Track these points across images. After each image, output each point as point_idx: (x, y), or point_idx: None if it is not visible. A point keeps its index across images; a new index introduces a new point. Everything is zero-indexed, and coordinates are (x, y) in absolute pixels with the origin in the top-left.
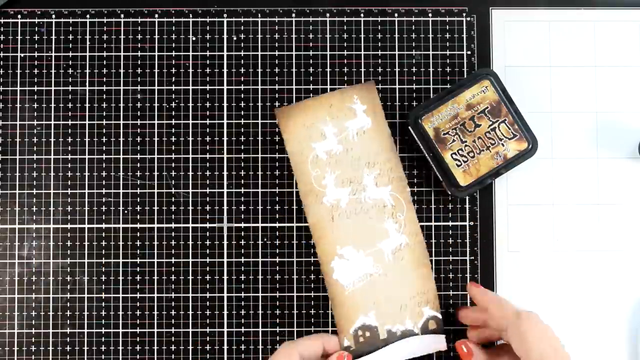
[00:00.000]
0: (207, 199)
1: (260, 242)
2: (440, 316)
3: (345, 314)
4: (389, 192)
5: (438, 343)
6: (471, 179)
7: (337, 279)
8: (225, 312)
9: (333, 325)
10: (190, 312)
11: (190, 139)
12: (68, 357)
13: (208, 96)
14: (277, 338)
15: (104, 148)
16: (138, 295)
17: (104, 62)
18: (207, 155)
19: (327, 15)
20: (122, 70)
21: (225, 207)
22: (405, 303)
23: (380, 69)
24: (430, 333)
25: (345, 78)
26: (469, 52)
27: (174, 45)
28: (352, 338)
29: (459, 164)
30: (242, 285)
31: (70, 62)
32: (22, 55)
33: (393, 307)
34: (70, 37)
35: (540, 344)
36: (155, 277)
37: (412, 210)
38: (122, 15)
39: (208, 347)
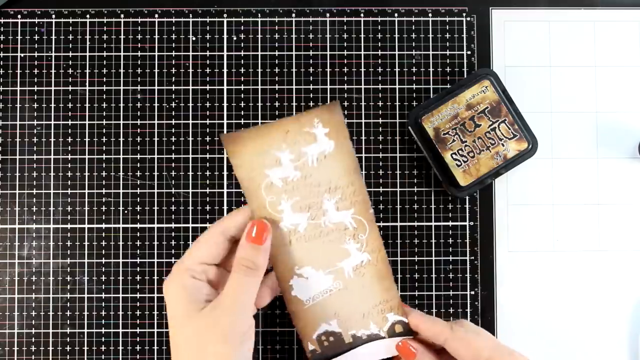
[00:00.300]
0: (207, 199)
1: None
2: (406, 320)
3: (306, 323)
4: (350, 215)
5: None
6: (471, 179)
7: (296, 295)
8: None
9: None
10: None
11: (190, 139)
12: (68, 357)
13: (208, 96)
14: (277, 338)
15: (104, 148)
16: (138, 295)
17: (104, 62)
18: (207, 155)
19: (327, 15)
20: (122, 70)
21: (225, 207)
22: (368, 311)
23: (380, 69)
24: (397, 336)
25: (345, 78)
26: (469, 52)
27: (174, 45)
28: (317, 342)
29: (459, 164)
30: None
31: (70, 62)
32: (22, 55)
33: (355, 315)
34: (70, 37)
35: (486, 342)
36: (155, 277)
37: (375, 228)
38: (122, 15)
39: None
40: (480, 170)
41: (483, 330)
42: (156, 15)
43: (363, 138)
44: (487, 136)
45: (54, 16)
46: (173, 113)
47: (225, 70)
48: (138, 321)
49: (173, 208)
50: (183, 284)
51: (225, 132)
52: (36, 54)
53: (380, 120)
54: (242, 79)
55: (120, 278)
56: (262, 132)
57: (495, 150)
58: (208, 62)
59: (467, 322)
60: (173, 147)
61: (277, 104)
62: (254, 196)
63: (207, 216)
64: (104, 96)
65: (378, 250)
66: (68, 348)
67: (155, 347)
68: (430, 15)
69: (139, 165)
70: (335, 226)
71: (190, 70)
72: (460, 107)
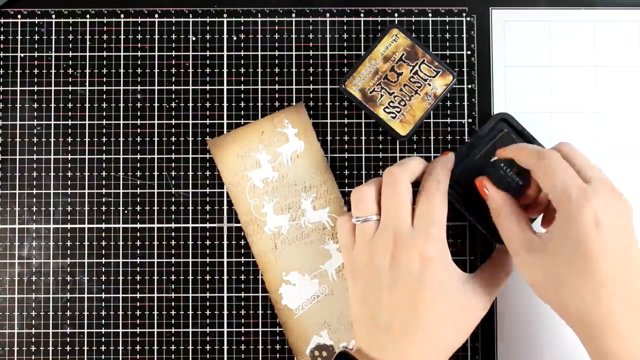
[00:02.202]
0: (207, 199)
1: None
2: None
3: (298, 337)
4: (327, 214)
5: None
6: (409, 126)
7: (286, 304)
8: (225, 312)
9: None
10: (190, 312)
11: (190, 139)
12: (68, 357)
13: (208, 96)
14: (277, 338)
15: (104, 148)
16: (138, 295)
17: (104, 62)
18: (207, 156)
19: (327, 15)
20: (122, 70)
21: (225, 207)
22: None
23: None
24: None
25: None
26: (469, 52)
27: (174, 45)
28: (310, 359)
29: (394, 116)
30: (242, 285)
31: (70, 62)
32: (22, 55)
33: (345, 324)
34: (70, 37)
35: (564, 175)
36: (155, 277)
37: None
38: (122, 15)
39: (208, 347)
40: (415, 115)
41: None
42: (156, 15)
43: (363, 138)
44: (411, 81)
45: (54, 16)
46: (173, 113)
47: (225, 70)
48: (138, 321)
49: (173, 208)
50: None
51: (225, 132)
52: (36, 54)
53: None
54: (242, 79)
55: (120, 278)
56: (241, 134)
57: (424, 91)
58: (208, 62)
59: (568, 146)
60: (173, 147)
61: (277, 104)
62: (239, 201)
63: (207, 216)
64: (104, 96)
65: None
66: (68, 348)
67: (155, 347)
68: (430, 15)
69: (139, 165)
70: (314, 226)
71: (190, 70)
72: (378, 62)
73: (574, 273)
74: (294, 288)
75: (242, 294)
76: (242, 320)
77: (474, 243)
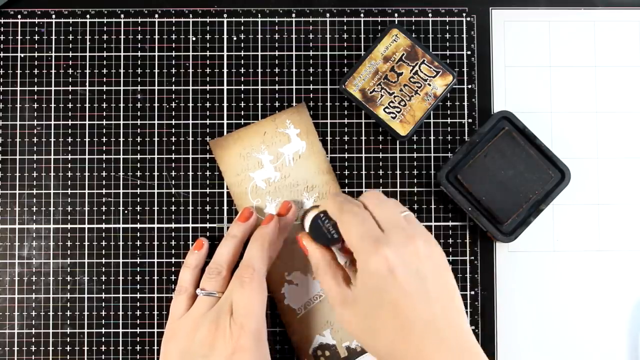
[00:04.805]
0: (207, 199)
1: None
2: None
3: (301, 336)
4: None
5: None
6: (409, 126)
7: (289, 304)
8: None
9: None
10: None
11: (190, 139)
12: (68, 357)
13: (208, 96)
14: (277, 338)
15: (104, 148)
16: (138, 295)
17: (104, 62)
18: (208, 156)
19: (327, 15)
20: (122, 70)
21: (225, 207)
22: None
23: None
24: None
25: None
26: (469, 52)
27: (174, 45)
28: (313, 358)
29: (394, 116)
30: None
31: (70, 62)
32: (22, 55)
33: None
34: (70, 37)
35: (361, 227)
36: (155, 277)
37: None
38: (122, 15)
39: None
40: (415, 115)
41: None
42: (156, 15)
43: (363, 138)
44: (411, 81)
45: (54, 16)
46: (173, 113)
47: (225, 70)
48: (138, 321)
49: (173, 208)
50: (260, 354)
51: (225, 132)
52: (36, 54)
53: None
54: (242, 79)
55: (120, 278)
56: (243, 134)
57: (424, 92)
58: (208, 62)
59: (371, 195)
60: (173, 147)
61: (277, 104)
62: (242, 201)
63: (207, 216)
64: (104, 96)
65: None
66: (68, 348)
67: (155, 347)
68: (430, 15)
69: (139, 165)
70: None
71: (190, 70)
72: (378, 62)
73: (382, 320)
74: (297, 288)
75: None
76: None
77: (474, 243)
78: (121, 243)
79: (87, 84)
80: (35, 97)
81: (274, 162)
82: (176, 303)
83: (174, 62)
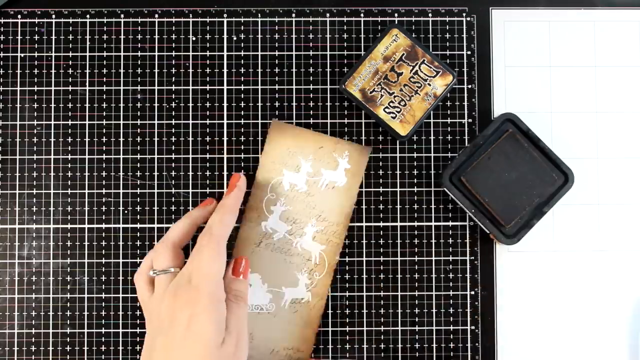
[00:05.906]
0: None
1: None
2: None
3: None
4: (319, 250)
5: None
6: (409, 126)
7: None
8: None
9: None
10: None
11: (190, 139)
12: (68, 357)
13: (208, 96)
14: None
15: (104, 148)
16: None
17: (104, 62)
18: (207, 155)
19: (327, 15)
20: (122, 70)
21: None
22: (278, 350)
23: None
24: None
25: None
26: (469, 52)
27: (174, 45)
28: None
29: (394, 116)
30: None
31: (70, 62)
32: (22, 55)
33: (265, 347)
34: (70, 37)
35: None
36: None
37: (330, 277)
38: (122, 15)
39: None
40: (415, 115)
41: None
42: (156, 15)
43: (363, 138)
44: (411, 81)
45: (54, 16)
46: (173, 113)
47: (225, 70)
48: (138, 321)
49: (173, 208)
50: (219, 313)
51: (225, 132)
52: (36, 54)
53: None
54: (242, 79)
55: (120, 278)
56: (304, 135)
57: (424, 91)
58: (208, 62)
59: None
60: (173, 147)
61: (277, 104)
62: (260, 186)
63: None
64: (104, 96)
65: (320, 297)
66: (68, 348)
67: None
68: (430, 15)
69: (139, 165)
70: (302, 251)
71: (190, 70)
72: (378, 62)
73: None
74: (248, 288)
75: None
76: None
77: (474, 243)
78: (121, 243)
79: (87, 84)
80: (35, 97)
81: (309, 176)
82: (139, 289)
83: (174, 62)
